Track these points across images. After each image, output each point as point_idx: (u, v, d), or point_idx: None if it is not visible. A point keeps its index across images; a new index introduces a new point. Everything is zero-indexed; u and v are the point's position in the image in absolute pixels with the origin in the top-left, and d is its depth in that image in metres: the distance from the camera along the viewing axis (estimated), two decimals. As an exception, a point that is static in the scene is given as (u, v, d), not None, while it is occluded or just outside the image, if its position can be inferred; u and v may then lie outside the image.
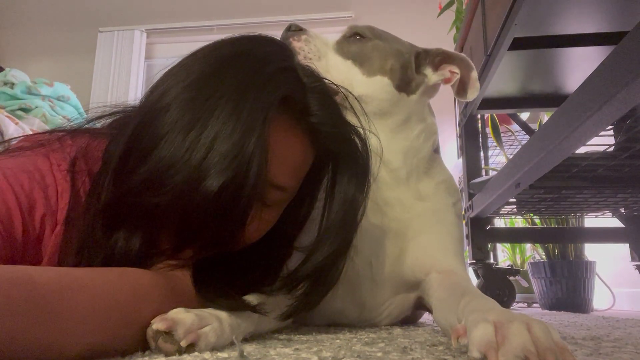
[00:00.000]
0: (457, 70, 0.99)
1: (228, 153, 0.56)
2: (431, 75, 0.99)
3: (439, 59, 1.00)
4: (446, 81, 1.00)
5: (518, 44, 1.25)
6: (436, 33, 2.87)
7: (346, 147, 0.71)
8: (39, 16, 4.02)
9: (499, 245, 2.62)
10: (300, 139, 0.67)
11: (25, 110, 2.36)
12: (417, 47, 1.02)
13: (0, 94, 2.44)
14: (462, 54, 0.98)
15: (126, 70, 3.71)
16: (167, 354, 0.47)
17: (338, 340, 0.63)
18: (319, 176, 0.74)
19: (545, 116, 2.29)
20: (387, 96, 0.94)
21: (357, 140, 0.72)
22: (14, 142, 0.66)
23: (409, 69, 0.98)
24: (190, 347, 0.48)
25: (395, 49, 0.99)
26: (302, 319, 0.94)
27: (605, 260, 2.27)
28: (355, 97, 0.80)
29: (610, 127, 1.33)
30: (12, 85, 2.49)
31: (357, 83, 0.93)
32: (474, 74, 0.99)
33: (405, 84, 0.96)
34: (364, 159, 0.72)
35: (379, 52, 0.97)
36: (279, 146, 0.63)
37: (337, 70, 0.94)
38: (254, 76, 0.61)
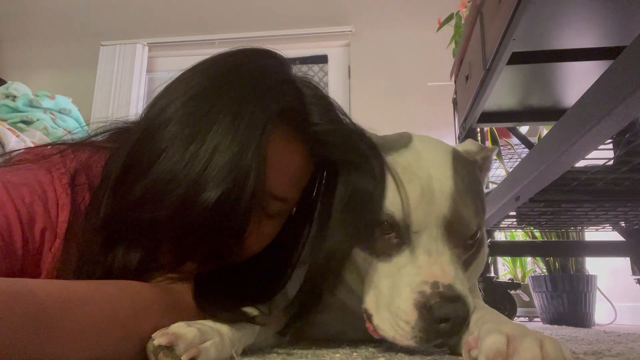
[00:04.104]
0: None
1: (225, 166, 0.56)
2: None
3: None
4: None
5: (517, 59, 1.26)
6: (435, 47, 2.90)
7: (352, 153, 0.69)
8: (41, 29, 4.05)
9: (499, 259, 2.61)
10: (301, 150, 0.67)
11: (27, 122, 2.37)
12: None
13: (2, 107, 2.45)
14: None
15: (128, 84, 3.73)
16: (166, 369, 0.47)
17: (338, 355, 0.62)
18: (320, 187, 0.74)
19: (544, 130, 2.29)
20: None
21: (362, 145, 0.70)
22: (15, 155, 0.66)
23: None
24: None
25: None
26: (303, 335, 0.93)
27: (607, 274, 2.26)
28: None
29: (610, 140, 1.33)
30: (14, 97, 2.51)
31: None
32: None
33: None
34: (376, 159, 0.69)
35: None
36: (279, 157, 0.63)
37: None
38: (251, 89, 0.62)
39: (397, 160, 0.69)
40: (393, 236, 0.65)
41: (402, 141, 0.73)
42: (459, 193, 0.66)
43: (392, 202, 0.65)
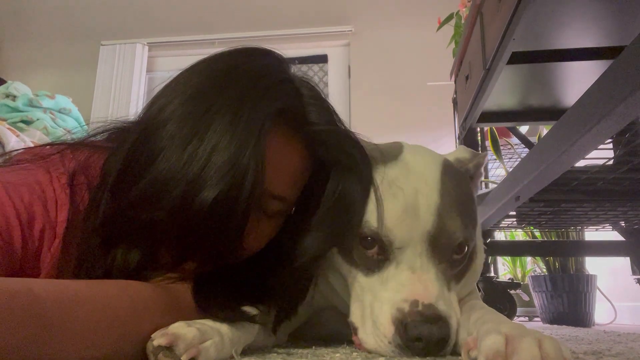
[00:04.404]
0: None
1: (224, 165, 0.56)
2: None
3: None
4: None
5: (516, 58, 1.26)
6: (435, 47, 2.90)
7: (345, 156, 0.70)
8: (41, 29, 4.05)
9: (499, 259, 2.61)
10: (299, 149, 0.67)
11: (27, 122, 2.38)
12: None
13: (2, 107, 2.46)
14: None
15: (127, 83, 3.73)
16: (166, 369, 0.47)
17: (338, 354, 0.62)
18: (319, 187, 0.74)
19: (544, 129, 2.29)
20: None
21: (355, 150, 0.70)
22: (15, 155, 0.66)
23: None
24: None
25: None
26: (303, 335, 0.93)
27: (607, 274, 2.26)
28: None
29: (609, 140, 1.33)
30: (14, 97, 2.51)
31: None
32: None
33: None
34: (366, 168, 0.70)
35: None
36: (277, 156, 0.63)
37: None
38: (250, 89, 0.62)
39: (385, 173, 0.69)
40: (376, 252, 0.65)
41: (393, 152, 0.73)
42: (446, 207, 0.65)
43: (375, 218, 0.65)
